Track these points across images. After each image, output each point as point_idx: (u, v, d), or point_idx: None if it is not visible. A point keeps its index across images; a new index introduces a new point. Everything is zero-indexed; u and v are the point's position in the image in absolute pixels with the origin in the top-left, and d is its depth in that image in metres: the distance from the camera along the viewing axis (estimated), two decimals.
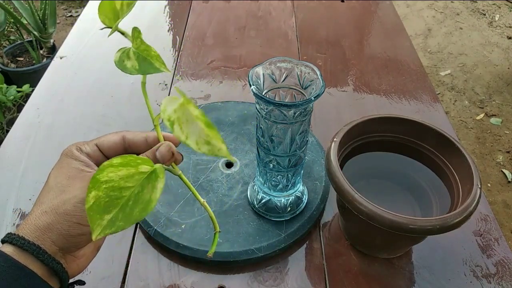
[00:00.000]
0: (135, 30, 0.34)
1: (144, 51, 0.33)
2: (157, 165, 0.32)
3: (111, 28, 0.35)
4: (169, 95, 0.74)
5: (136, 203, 0.30)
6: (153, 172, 0.32)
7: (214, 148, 0.30)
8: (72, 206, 0.32)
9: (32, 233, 0.31)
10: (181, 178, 0.35)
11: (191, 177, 0.58)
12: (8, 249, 0.31)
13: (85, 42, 0.87)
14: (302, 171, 0.51)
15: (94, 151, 0.36)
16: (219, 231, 0.37)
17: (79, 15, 0.97)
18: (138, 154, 0.34)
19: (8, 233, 0.32)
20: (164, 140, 0.35)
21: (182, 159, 0.37)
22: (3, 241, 0.31)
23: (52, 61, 0.82)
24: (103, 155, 0.36)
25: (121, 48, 0.34)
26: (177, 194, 0.55)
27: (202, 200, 0.36)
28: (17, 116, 0.71)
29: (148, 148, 0.36)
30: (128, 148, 0.37)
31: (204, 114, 0.30)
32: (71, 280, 0.34)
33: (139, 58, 0.33)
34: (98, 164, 0.36)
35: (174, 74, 0.79)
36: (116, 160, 0.31)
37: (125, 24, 0.36)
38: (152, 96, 0.74)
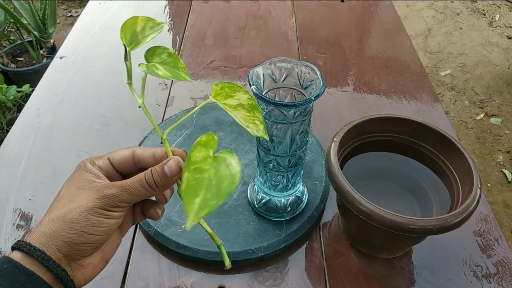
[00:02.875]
0: (159, 47, 0.39)
1: (171, 63, 0.38)
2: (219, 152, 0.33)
3: (125, 46, 0.37)
4: (168, 96, 0.74)
5: (220, 181, 0.31)
6: (216, 157, 0.32)
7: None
8: (77, 214, 0.32)
9: (39, 239, 0.32)
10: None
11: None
12: (16, 255, 0.31)
13: (85, 42, 0.87)
14: (302, 171, 0.51)
15: (106, 164, 0.37)
16: (222, 243, 0.38)
17: (79, 15, 0.97)
18: (146, 169, 0.36)
19: (18, 240, 0.32)
20: (173, 155, 0.37)
21: None
22: (13, 248, 0.32)
23: (52, 61, 0.82)
24: (114, 169, 0.37)
25: (140, 64, 0.37)
26: (177, 194, 0.55)
27: (219, 242, 0.38)
28: (17, 116, 0.71)
29: (156, 163, 0.36)
30: (137, 163, 0.38)
31: (251, 98, 0.35)
32: None
33: (167, 69, 0.38)
34: (109, 176, 0.37)
35: None
36: (203, 138, 0.32)
37: None
38: (152, 96, 0.74)
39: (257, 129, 0.35)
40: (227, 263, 0.37)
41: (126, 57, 0.37)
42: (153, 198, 0.39)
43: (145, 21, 0.39)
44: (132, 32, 0.38)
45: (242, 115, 0.35)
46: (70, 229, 0.32)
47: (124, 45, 0.37)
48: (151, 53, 0.38)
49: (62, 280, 0.32)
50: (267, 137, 0.36)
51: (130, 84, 0.37)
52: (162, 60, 0.38)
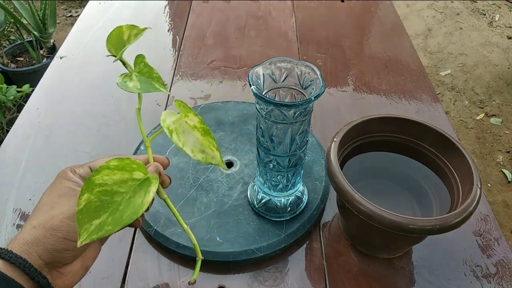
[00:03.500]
0: (139, 56, 0.38)
1: (146, 73, 0.37)
2: (151, 174, 0.33)
3: (115, 56, 0.39)
4: (169, 96, 0.74)
5: (127, 207, 0.31)
6: (146, 180, 0.33)
7: (208, 156, 0.33)
8: (59, 221, 0.33)
9: (20, 247, 0.32)
10: (166, 203, 0.38)
11: (191, 177, 0.58)
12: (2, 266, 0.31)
13: (85, 42, 0.87)
14: (302, 171, 0.51)
15: (86, 173, 0.37)
16: (202, 258, 0.40)
17: (79, 15, 0.97)
18: None
19: None
20: (154, 161, 0.38)
21: (170, 182, 0.40)
22: None
23: (52, 61, 0.82)
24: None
25: (122, 74, 0.38)
26: (177, 194, 0.55)
27: (185, 226, 0.39)
28: (17, 116, 0.71)
29: None
30: None
31: (203, 122, 0.34)
32: None
33: (141, 80, 0.37)
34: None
35: (174, 74, 0.79)
36: (113, 163, 0.31)
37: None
38: (152, 96, 0.74)
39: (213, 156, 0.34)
40: (193, 279, 0.39)
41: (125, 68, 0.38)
42: None
43: (129, 29, 0.39)
44: (119, 42, 0.38)
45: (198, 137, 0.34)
46: (51, 236, 0.32)
47: (115, 57, 0.37)
48: (134, 62, 0.39)
49: (43, 287, 0.32)
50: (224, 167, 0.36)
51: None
52: (140, 69, 0.38)
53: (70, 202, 0.34)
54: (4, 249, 0.32)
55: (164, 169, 0.39)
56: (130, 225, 0.37)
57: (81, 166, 0.38)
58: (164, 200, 0.38)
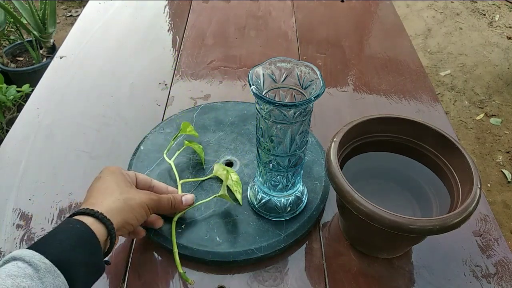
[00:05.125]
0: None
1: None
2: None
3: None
4: (168, 96, 0.74)
5: None
6: None
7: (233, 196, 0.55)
8: (136, 204, 0.44)
9: (107, 211, 0.41)
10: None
11: (191, 177, 0.58)
12: (89, 220, 0.40)
13: (85, 42, 0.87)
14: (302, 171, 0.51)
15: (132, 178, 0.49)
16: (184, 272, 0.48)
17: (79, 15, 0.97)
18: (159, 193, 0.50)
19: (88, 208, 0.41)
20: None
21: (163, 224, 0.51)
22: (82, 213, 0.41)
23: (52, 61, 0.82)
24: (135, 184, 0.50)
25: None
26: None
27: (175, 249, 0.49)
28: (17, 116, 0.71)
29: (167, 193, 0.52)
30: (151, 188, 0.51)
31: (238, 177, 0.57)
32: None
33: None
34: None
35: (174, 74, 0.79)
36: None
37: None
38: (152, 96, 0.74)
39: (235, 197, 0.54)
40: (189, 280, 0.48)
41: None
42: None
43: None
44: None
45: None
46: (129, 212, 0.43)
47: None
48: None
49: (111, 247, 0.42)
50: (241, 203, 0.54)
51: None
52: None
53: (141, 195, 0.46)
54: (94, 210, 0.41)
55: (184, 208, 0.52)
56: (133, 234, 0.49)
57: (128, 172, 0.49)
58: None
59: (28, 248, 0.36)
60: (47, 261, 0.34)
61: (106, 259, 0.42)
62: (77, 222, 0.39)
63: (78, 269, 0.36)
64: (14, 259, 0.34)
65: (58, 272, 0.34)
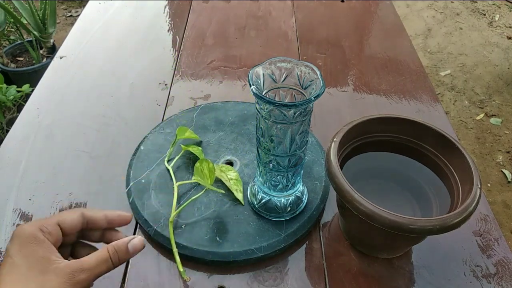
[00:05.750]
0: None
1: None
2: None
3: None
4: (168, 96, 0.74)
5: None
6: None
7: (235, 194, 0.56)
8: None
9: None
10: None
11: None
12: None
13: (85, 42, 0.87)
14: (302, 171, 0.51)
15: (56, 231, 0.36)
16: (184, 271, 0.48)
17: (79, 15, 0.97)
18: (96, 229, 0.38)
19: None
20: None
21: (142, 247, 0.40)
22: None
23: (52, 61, 0.82)
24: (62, 234, 0.36)
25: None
26: (177, 194, 0.55)
27: (175, 249, 0.49)
28: (17, 116, 0.70)
29: (108, 225, 0.39)
30: (86, 225, 0.38)
31: (238, 175, 0.57)
32: None
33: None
34: (56, 243, 0.35)
35: (174, 74, 0.79)
36: None
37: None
38: (152, 96, 0.74)
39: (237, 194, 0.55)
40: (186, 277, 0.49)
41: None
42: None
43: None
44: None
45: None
46: None
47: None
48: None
49: None
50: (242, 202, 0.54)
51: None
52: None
53: (58, 281, 0.32)
54: None
55: (122, 224, 0.40)
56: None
57: (48, 223, 0.35)
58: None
59: None
60: None
61: None
62: None
63: None
64: None
65: None
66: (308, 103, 0.40)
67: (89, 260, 0.34)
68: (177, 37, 0.89)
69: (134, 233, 0.53)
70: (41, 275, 0.32)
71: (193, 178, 0.53)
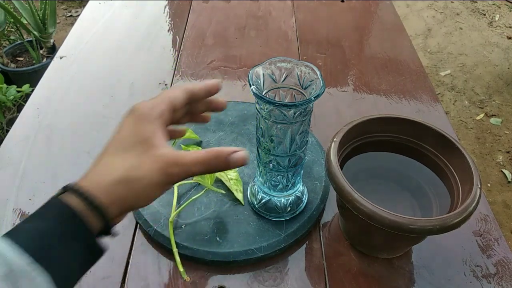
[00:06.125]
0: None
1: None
2: None
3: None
4: None
5: None
6: None
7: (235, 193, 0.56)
8: (142, 187, 0.33)
9: (105, 196, 0.32)
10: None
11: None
12: (79, 205, 0.32)
13: (85, 42, 0.87)
14: (302, 171, 0.51)
15: (168, 110, 0.36)
16: (184, 271, 0.48)
17: (79, 15, 0.97)
18: (199, 100, 0.39)
19: (80, 191, 0.32)
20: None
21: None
22: (74, 191, 0.33)
23: (52, 61, 0.82)
24: (172, 113, 0.37)
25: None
26: (177, 193, 0.55)
27: (175, 249, 0.49)
28: (17, 116, 0.70)
29: (208, 93, 0.39)
30: (191, 98, 0.38)
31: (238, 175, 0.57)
32: None
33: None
34: (167, 122, 0.36)
35: (174, 74, 0.79)
36: None
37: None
38: (152, 96, 0.73)
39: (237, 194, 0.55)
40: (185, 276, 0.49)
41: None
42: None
43: None
44: None
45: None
46: (134, 197, 0.33)
47: None
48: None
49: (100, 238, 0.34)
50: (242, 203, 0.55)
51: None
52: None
53: (152, 167, 0.33)
54: (90, 198, 0.32)
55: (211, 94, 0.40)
56: (198, 121, 0.42)
57: (164, 102, 0.36)
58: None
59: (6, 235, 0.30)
60: (23, 260, 0.28)
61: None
62: (65, 208, 0.33)
63: (65, 266, 0.31)
64: None
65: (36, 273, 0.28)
66: (308, 103, 0.40)
67: (185, 156, 0.34)
68: (177, 37, 0.89)
69: (134, 233, 0.53)
70: (139, 156, 0.33)
71: (193, 178, 0.53)
